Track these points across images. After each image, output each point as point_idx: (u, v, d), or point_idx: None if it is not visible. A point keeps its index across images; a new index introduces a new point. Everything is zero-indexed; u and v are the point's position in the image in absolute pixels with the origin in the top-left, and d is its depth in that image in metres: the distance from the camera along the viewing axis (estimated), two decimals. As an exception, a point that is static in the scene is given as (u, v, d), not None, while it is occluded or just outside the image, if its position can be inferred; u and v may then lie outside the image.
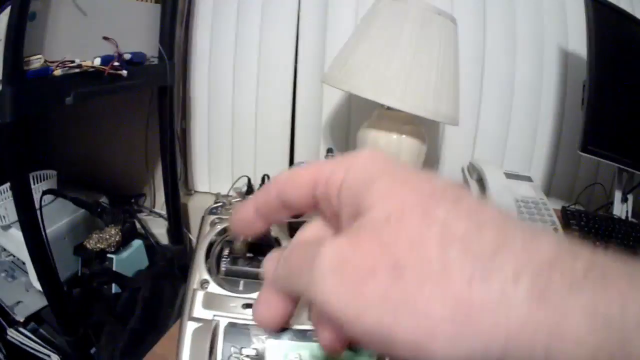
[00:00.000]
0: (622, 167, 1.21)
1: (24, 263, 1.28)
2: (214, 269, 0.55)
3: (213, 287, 0.53)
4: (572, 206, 1.25)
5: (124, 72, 1.10)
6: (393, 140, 1.06)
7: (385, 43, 0.97)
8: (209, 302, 0.52)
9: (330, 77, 1.04)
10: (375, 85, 0.96)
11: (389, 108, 1.05)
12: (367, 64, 0.97)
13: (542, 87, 1.35)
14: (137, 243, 1.36)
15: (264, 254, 0.56)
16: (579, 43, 1.27)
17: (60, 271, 1.11)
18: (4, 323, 1.21)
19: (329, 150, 0.79)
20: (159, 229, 1.55)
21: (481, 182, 1.11)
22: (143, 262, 1.37)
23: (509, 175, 1.15)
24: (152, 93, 1.43)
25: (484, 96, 1.36)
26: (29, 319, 1.23)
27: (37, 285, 1.13)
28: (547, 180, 1.43)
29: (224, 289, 0.53)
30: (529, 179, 1.20)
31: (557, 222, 1.08)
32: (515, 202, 1.07)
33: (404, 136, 1.06)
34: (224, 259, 0.56)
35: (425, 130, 1.12)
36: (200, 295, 0.53)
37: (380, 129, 1.07)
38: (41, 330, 1.24)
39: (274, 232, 0.57)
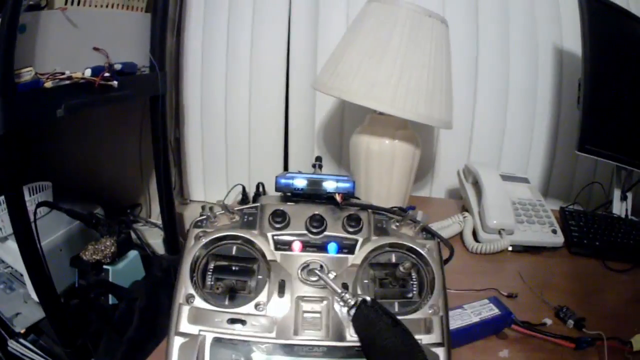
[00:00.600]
0: (620, 165, 1.20)
1: (22, 275, 1.28)
2: (199, 283, 0.54)
3: (198, 302, 0.52)
4: (571, 206, 1.23)
5: (115, 83, 1.10)
6: (386, 146, 1.05)
7: (374, 47, 0.97)
8: (194, 317, 0.52)
9: (320, 83, 1.03)
10: (366, 90, 0.95)
11: (381, 113, 1.04)
12: (357, 69, 0.96)
13: (537, 86, 1.34)
14: (133, 254, 1.36)
15: (248, 268, 0.56)
16: (573, 41, 1.26)
17: (57, 283, 1.11)
18: (4, 334, 1.21)
19: (317, 159, 0.78)
20: (155, 239, 1.55)
21: (477, 185, 1.10)
22: (139, 273, 1.37)
23: (505, 177, 1.14)
24: (144, 103, 1.43)
25: (478, 98, 1.35)
26: (28, 330, 1.22)
27: (35, 296, 1.13)
28: (545, 180, 1.42)
29: (210, 303, 0.52)
30: (525, 180, 1.19)
31: (556, 224, 1.07)
32: (512, 205, 1.06)
33: (396, 141, 1.05)
34: (209, 273, 0.55)
35: (418, 135, 1.11)
36: (185, 310, 0.52)
37: (372, 135, 1.06)
38: (41, 341, 1.24)
39: (259, 243, 0.56)
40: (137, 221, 1.60)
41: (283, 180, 0.59)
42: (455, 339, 0.57)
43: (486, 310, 0.70)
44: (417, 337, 0.49)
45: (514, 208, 1.06)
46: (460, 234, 1.05)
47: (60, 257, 1.26)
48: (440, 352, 0.51)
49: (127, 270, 1.31)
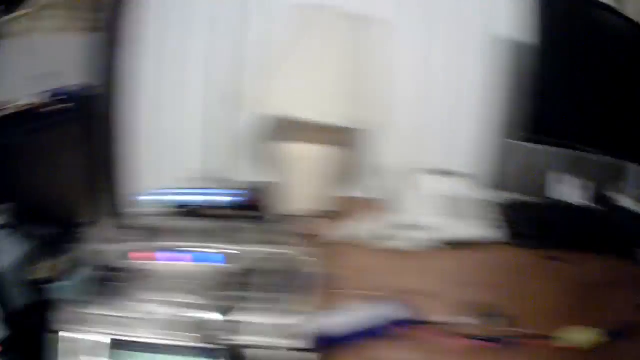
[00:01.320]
0: (564, 151, 1.21)
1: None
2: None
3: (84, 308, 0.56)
4: (515, 196, 1.21)
5: (60, 106, 1.10)
6: (317, 152, 1.06)
7: (296, 55, 0.99)
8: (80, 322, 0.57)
9: (246, 97, 1.07)
10: (290, 99, 0.97)
11: (309, 121, 1.03)
12: (280, 79, 0.99)
13: (482, 80, 1.33)
14: (85, 271, 1.36)
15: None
16: (520, 32, 1.25)
17: (10, 302, 1.12)
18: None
19: (244, 190, 0.79)
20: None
21: (417, 183, 1.11)
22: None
23: (445, 173, 1.15)
24: (90, 122, 1.43)
25: (427, 96, 1.33)
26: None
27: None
28: (489, 173, 1.36)
29: (92, 308, 0.58)
30: (466, 174, 1.19)
31: (495, 216, 1.07)
32: (449, 201, 1.06)
33: (327, 147, 1.06)
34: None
35: (354, 137, 1.12)
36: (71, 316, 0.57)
37: (303, 142, 1.06)
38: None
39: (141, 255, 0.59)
40: (89, 238, 1.60)
41: (159, 197, 0.61)
42: (345, 340, 0.58)
43: (382, 311, 0.70)
44: (286, 341, 0.52)
45: (449, 203, 1.06)
46: (383, 233, 1.02)
47: (14, 277, 1.27)
48: (309, 356, 0.53)
49: (80, 287, 1.31)
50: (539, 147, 1.21)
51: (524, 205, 1.15)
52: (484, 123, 1.35)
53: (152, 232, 0.62)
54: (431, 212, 1.02)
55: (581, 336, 0.70)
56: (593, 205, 1.24)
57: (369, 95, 1.03)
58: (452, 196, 1.10)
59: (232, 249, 0.60)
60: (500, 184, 1.38)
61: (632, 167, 1.49)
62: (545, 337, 0.70)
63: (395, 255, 0.97)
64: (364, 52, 1.01)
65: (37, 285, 1.27)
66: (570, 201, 1.23)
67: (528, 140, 1.18)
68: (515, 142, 1.16)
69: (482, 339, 0.69)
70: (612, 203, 1.30)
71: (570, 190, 1.25)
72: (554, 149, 1.22)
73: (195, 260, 0.59)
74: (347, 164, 1.14)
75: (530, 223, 1.07)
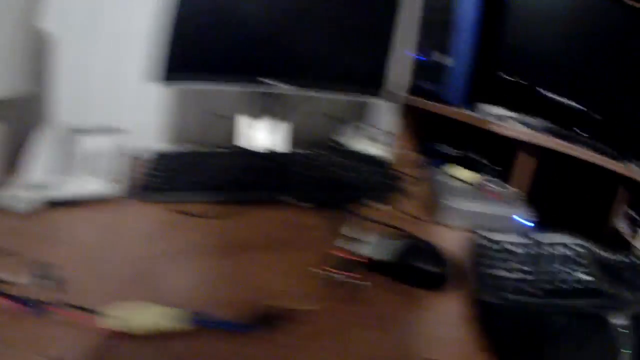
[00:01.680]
0: (244, 89, 1.17)
1: None
2: None
3: None
4: (180, 147, 1.20)
5: None
6: None
7: None
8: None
9: None
10: None
11: None
12: None
13: (147, 30, 1.24)
14: None
15: None
16: None
17: None
18: None
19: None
20: None
21: (58, 143, 1.06)
22: None
23: (91, 132, 1.08)
24: None
25: (90, 54, 1.30)
26: None
27: None
28: (152, 124, 1.39)
29: None
30: (115, 130, 1.13)
31: (124, 172, 1.03)
32: (80, 158, 1.02)
33: None
34: None
35: (19, 108, 1.11)
36: None
37: None
38: None
39: None
40: None
41: None
42: None
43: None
44: None
45: (80, 161, 1.02)
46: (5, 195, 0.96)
47: None
48: None
49: None
50: (210, 88, 1.16)
51: (175, 156, 1.09)
52: (149, 74, 1.26)
53: None
54: (53, 171, 0.98)
55: (139, 317, 0.62)
56: (293, 150, 1.25)
57: (28, 65, 1.03)
58: (86, 153, 1.05)
59: None
60: (167, 135, 1.38)
61: (372, 103, 1.46)
62: (92, 312, 0.62)
63: (6, 218, 0.91)
64: (22, 23, 1.00)
65: None
66: (253, 147, 1.20)
67: (193, 81, 1.12)
68: (182, 85, 1.14)
69: (17, 300, 0.64)
70: (331, 145, 1.36)
71: (258, 134, 1.25)
72: (228, 89, 1.16)
73: None
74: (16, 136, 1.09)
75: (181, 174, 1.02)
